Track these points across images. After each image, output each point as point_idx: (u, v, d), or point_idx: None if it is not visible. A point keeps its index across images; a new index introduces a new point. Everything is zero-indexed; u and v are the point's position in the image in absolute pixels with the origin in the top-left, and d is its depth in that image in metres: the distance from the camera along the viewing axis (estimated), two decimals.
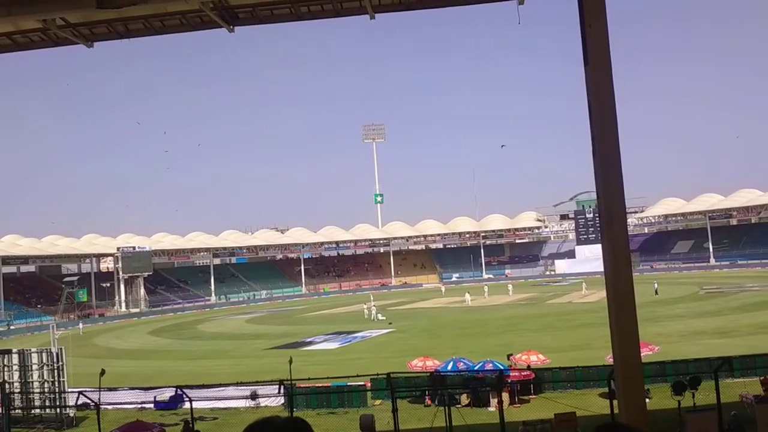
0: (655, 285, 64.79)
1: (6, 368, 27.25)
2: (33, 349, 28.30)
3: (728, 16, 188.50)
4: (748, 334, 35.99)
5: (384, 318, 58.10)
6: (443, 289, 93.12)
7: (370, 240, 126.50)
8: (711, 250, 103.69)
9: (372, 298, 69.76)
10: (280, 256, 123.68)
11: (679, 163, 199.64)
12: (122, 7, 8.83)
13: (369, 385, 26.21)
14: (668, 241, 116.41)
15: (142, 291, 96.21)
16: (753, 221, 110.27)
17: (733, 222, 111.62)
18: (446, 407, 19.60)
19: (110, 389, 26.65)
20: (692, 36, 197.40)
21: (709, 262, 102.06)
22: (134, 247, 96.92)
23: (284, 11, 10.60)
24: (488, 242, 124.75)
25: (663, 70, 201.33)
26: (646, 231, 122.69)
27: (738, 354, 25.50)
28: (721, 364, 20.14)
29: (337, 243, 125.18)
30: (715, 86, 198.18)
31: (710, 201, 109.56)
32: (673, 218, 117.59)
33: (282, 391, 24.04)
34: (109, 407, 25.32)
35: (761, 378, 22.01)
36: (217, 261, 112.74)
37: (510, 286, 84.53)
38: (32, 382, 27.13)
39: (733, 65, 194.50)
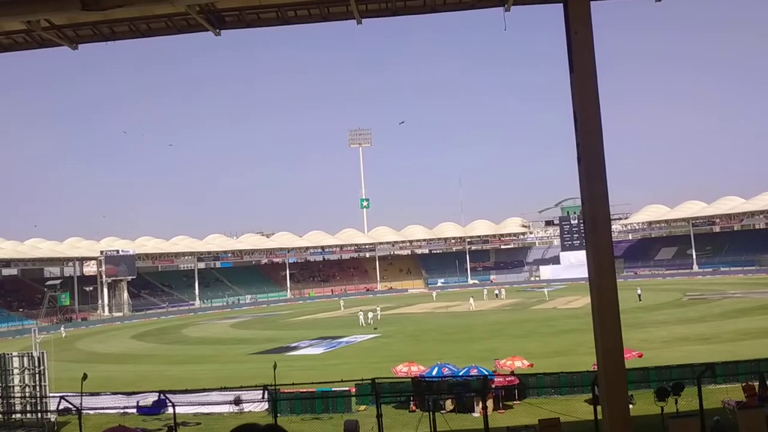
0: (639, 291, 65.19)
1: None
2: (14, 353, 27.96)
3: (711, 23, 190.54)
4: (731, 341, 36.28)
5: (371, 323, 57.88)
6: (434, 294, 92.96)
7: (356, 245, 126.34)
8: (694, 256, 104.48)
9: (343, 305, 69.36)
10: (265, 261, 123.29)
11: (663, 171, 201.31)
12: (107, 9, 8.77)
13: (354, 390, 26.16)
14: (652, 247, 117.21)
15: (126, 295, 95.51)
16: (735, 228, 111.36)
17: (716, 229, 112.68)
18: (431, 413, 19.59)
19: (92, 394, 26.38)
20: (676, 42, 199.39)
21: (692, 268, 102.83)
22: (118, 251, 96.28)
23: (271, 15, 10.58)
24: (474, 248, 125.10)
25: (648, 76, 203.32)
26: (630, 237, 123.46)
27: (720, 360, 25.70)
28: (704, 370, 20.28)
29: (322, 248, 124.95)
30: (700, 93, 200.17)
31: (693, 208, 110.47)
32: (657, 225, 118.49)
33: (266, 396, 23.94)
34: (92, 412, 25.08)
35: (743, 384, 22.17)
36: (201, 265, 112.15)
37: (503, 290, 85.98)
38: (13, 386, 26.80)
39: (718, 71, 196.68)
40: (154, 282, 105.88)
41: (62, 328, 70.20)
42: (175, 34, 10.88)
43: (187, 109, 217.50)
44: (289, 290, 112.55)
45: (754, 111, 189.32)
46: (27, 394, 26.74)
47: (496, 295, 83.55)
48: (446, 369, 25.73)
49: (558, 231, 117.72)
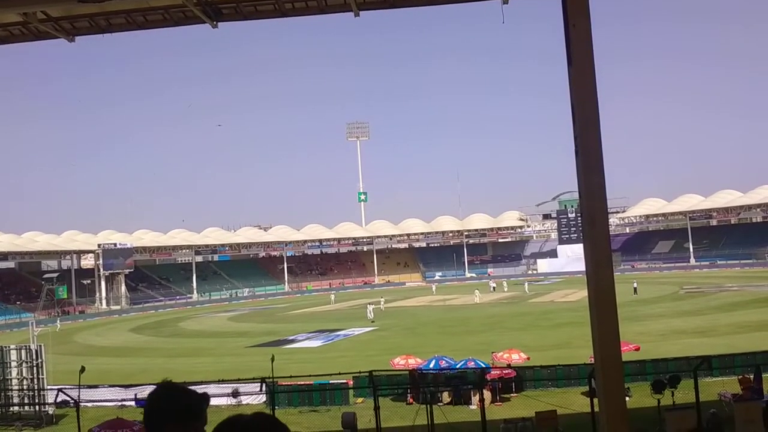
0: (634, 284, 65.28)
1: None
2: (12, 346, 27.99)
3: (710, 15, 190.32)
4: (727, 334, 36.39)
5: (372, 317, 57.42)
6: (434, 288, 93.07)
7: (354, 238, 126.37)
8: (691, 250, 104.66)
9: (334, 299, 69.27)
10: (262, 254, 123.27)
11: (661, 164, 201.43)
12: (104, 1, 8.73)
13: (351, 383, 26.20)
14: (649, 241, 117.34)
15: (123, 288, 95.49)
16: (732, 222, 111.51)
17: (713, 223, 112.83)
18: (428, 405, 19.62)
19: (90, 387, 26.42)
20: (673, 35, 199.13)
21: (689, 262, 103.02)
22: (115, 244, 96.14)
23: (268, 7, 10.52)
24: (471, 241, 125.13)
25: (646, 69, 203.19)
26: (627, 231, 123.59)
27: (717, 353, 25.76)
28: (700, 363, 20.31)
29: (320, 241, 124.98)
30: (698, 86, 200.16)
31: (691, 202, 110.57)
32: (654, 218, 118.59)
33: (264, 388, 23.97)
34: (89, 405, 25.12)
35: (739, 377, 22.24)
36: (199, 258, 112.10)
37: (505, 283, 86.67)
38: (11, 379, 26.84)
39: (715, 65, 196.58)
40: (151, 275, 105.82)
41: (57, 322, 69.93)
42: (172, 26, 10.82)
43: (184, 103, 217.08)
44: (286, 283, 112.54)
45: (752, 105, 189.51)
46: (25, 387, 26.76)
47: (493, 288, 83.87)
48: (443, 362, 25.80)
49: (555, 224, 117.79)
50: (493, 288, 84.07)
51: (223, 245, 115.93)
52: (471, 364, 24.71)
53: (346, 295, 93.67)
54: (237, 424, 2.28)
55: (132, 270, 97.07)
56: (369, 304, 61.46)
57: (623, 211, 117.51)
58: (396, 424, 21.97)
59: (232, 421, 2.30)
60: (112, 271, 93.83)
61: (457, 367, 25.25)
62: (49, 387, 26.41)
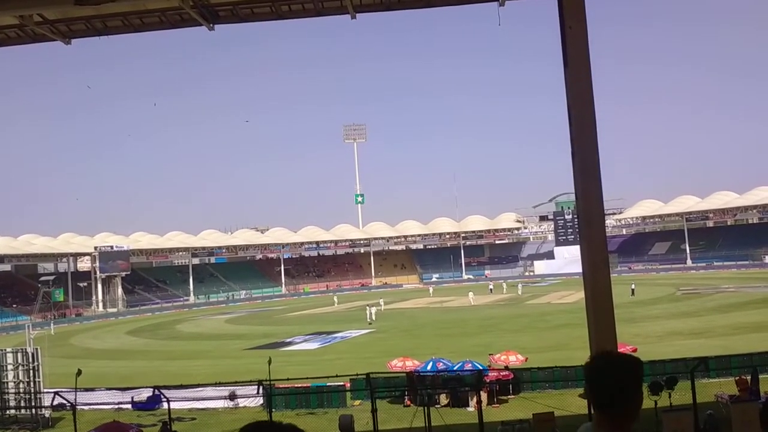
0: (632, 286, 65.35)
1: None
2: (8, 349, 27.92)
3: (706, 18, 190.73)
4: (724, 335, 36.43)
5: (374, 318, 57.13)
6: (431, 290, 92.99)
7: (351, 240, 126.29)
8: (688, 251, 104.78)
9: (337, 300, 69.18)
10: (259, 256, 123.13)
11: (657, 166, 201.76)
12: (100, 4, 8.73)
13: (348, 385, 26.18)
14: (646, 242, 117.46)
15: (120, 291, 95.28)
16: (729, 223, 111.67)
17: (710, 224, 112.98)
18: (425, 407, 19.61)
19: (87, 389, 26.33)
20: (669, 37, 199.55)
21: (685, 263, 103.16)
22: (112, 247, 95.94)
23: (265, 10, 10.52)
24: (468, 243, 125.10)
25: (641, 71, 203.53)
26: (624, 232, 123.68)
27: (714, 354, 25.78)
28: (697, 364, 20.34)
29: (317, 243, 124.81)
30: (695, 88, 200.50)
31: (687, 203, 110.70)
32: (651, 220, 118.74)
33: (261, 391, 23.95)
34: (86, 408, 25.02)
35: (736, 378, 22.24)
36: (196, 261, 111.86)
37: (504, 284, 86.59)
38: (7, 382, 26.77)
39: (713, 67, 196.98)
40: (148, 278, 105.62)
41: (51, 325, 69.50)
42: (169, 28, 10.81)
43: (181, 105, 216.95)
44: (283, 286, 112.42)
45: (748, 106, 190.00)
46: (21, 390, 26.71)
47: (491, 290, 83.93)
48: (441, 364, 25.78)
49: (552, 226, 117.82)
50: (491, 290, 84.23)
51: (219, 247, 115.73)
52: (468, 366, 24.70)
53: (343, 297, 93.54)
54: (275, 427, 2.25)
55: (128, 272, 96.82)
56: (369, 305, 61.28)
57: (620, 213, 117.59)
58: (393, 427, 21.94)
59: (270, 424, 2.27)
60: (108, 274, 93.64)
61: (455, 369, 25.23)
62: (45, 390, 26.35)
